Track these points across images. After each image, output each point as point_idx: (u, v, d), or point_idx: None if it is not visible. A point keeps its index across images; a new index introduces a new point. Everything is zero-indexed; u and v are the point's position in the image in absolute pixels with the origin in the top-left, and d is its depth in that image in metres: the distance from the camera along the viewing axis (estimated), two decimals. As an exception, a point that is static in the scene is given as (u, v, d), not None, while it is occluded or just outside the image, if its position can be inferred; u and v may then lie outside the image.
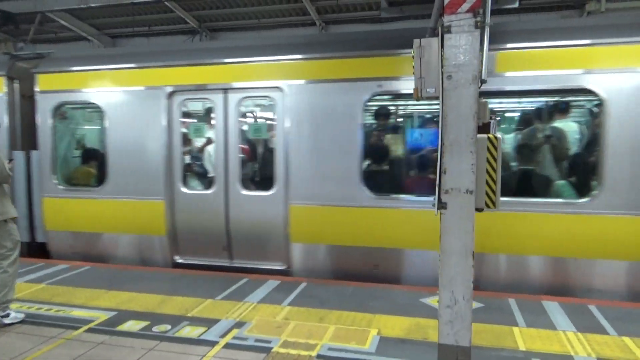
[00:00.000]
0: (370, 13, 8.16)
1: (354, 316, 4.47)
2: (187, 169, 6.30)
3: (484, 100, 3.04)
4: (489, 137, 3.04)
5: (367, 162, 5.64)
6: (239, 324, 4.30)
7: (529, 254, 5.10)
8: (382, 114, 5.90)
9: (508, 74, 5.03)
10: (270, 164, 5.85)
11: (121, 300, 4.92)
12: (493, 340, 3.94)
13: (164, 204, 6.11)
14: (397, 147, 5.83)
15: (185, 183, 6.18)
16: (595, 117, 5.02)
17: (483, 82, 3.04)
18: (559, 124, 5.35)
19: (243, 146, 6.09)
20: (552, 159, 5.33)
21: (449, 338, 3.11)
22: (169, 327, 4.25)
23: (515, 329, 4.15)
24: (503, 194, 3.49)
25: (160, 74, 6.08)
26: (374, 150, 5.73)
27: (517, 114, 5.91)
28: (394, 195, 5.47)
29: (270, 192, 5.82)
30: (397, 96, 5.63)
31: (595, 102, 4.99)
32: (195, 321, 4.38)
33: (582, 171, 5.22)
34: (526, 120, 5.62)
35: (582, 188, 5.09)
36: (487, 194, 3.05)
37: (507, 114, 6.14)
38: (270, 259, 5.92)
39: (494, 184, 3.04)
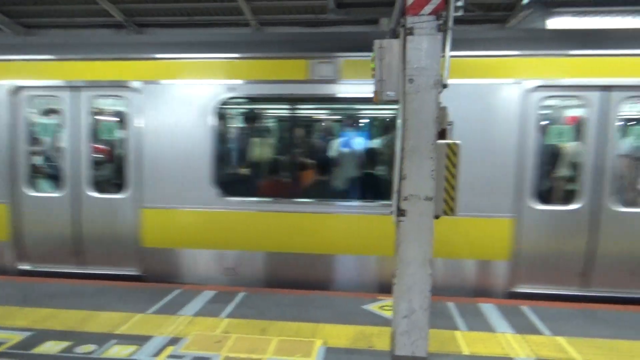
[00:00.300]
0: (307, 16, 8.00)
1: (297, 327, 4.27)
2: (35, 170, 5.82)
3: (443, 105, 2.98)
4: (448, 144, 2.99)
5: (219, 165, 5.47)
6: (174, 340, 3.94)
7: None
8: (236, 116, 5.75)
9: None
10: (122, 166, 5.58)
11: (38, 318, 4.33)
12: (438, 346, 3.93)
13: (5, 207, 5.65)
14: (251, 150, 5.73)
15: (32, 185, 5.70)
16: None
17: (444, 86, 2.99)
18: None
19: (99, 146, 5.75)
20: None
21: (406, 349, 3.03)
22: (94, 347, 3.79)
23: (458, 333, 4.18)
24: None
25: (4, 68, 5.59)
26: (227, 153, 5.65)
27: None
28: (246, 198, 5.37)
29: (122, 195, 5.55)
30: (253, 99, 5.50)
31: None
32: (125, 339, 3.94)
33: None
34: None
35: None
36: (445, 200, 3.00)
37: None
38: (123, 264, 5.63)
39: (452, 190, 2.99)
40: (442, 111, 2.97)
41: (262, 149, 5.65)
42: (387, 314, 4.55)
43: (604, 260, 5.11)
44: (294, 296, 5.01)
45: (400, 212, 2.93)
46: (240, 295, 5.01)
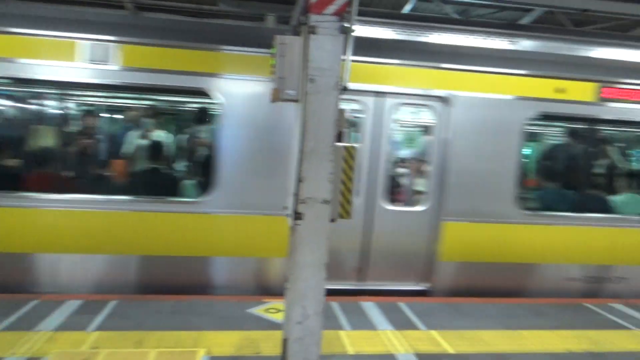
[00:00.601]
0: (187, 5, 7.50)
1: (178, 336, 3.96)
2: None
3: (342, 107, 2.96)
4: (346, 146, 2.98)
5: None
6: (30, 362, 3.39)
7: None
8: None
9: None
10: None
11: None
12: (324, 347, 3.91)
13: None
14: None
15: None
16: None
17: (344, 89, 2.96)
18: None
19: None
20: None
21: (298, 356, 2.95)
22: None
23: (342, 333, 4.24)
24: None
25: None
26: None
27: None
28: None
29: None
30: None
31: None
32: (-38, 365, 3.29)
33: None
34: None
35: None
36: (341, 204, 2.98)
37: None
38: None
39: (348, 193, 2.99)
40: (341, 113, 2.94)
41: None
42: (274, 317, 4.45)
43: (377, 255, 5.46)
44: (173, 302, 4.65)
45: (297, 216, 2.84)
46: (111, 304, 4.50)
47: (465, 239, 5.44)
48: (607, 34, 6.28)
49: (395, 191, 5.84)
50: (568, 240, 5.68)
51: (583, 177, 5.98)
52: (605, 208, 5.95)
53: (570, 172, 6.18)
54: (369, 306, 4.93)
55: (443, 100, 5.31)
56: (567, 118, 5.93)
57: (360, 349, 3.95)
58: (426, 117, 5.65)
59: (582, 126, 5.97)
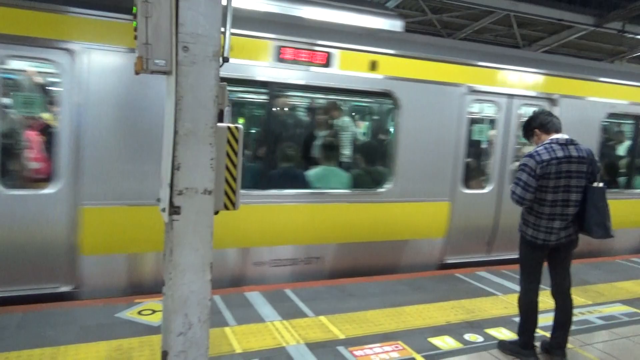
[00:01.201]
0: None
1: (29, 355, 3.28)
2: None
3: (223, 82, 2.55)
4: (229, 127, 2.59)
5: None
6: None
7: None
8: None
9: None
10: None
11: None
12: (210, 348, 3.56)
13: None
14: None
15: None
16: None
17: (225, 60, 2.55)
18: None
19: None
20: None
21: (180, 370, 2.55)
22: None
23: (228, 330, 3.90)
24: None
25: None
26: None
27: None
28: None
29: None
30: None
31: None
32: None
33: None
34: None
35: None
36: (226, 193, 2.60)
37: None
38: None
39: (233, 182, 2.62)
40: (222, 89, 2.54)
41: None
42: (149, 319, 3.94)
43: None
44: (21, 315, 3.87)
45: (174, 209, 2.41)
46: None
47: None
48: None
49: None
50: (255, 220, 5.04)
51: (270, 149, 5.30)
52: (297, 183, 5.37)
53: (257, 144, 5.58)
54: (254, 296, 4.64)
55: None
56: (244, 82, 5.10)
57: (249, 346, 3.65)
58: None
59: (263, 93, 5.31)
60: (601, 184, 3.43)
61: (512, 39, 13.06)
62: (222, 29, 2.49)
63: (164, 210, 2.47)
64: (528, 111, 6.11)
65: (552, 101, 6.45)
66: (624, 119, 7.63)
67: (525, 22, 12.13)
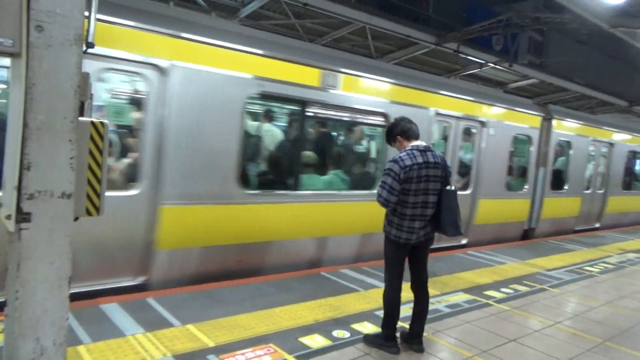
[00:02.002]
0: None
1: None
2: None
3: (87, 71, 2.25)
4: (93, 122, 2.29)
5: None
6: None
7: None
8: None
9: None
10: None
11: None
12: (58, 372, 3.13)
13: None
14: None
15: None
16: None
17: (90, 46, 2.25)
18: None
19: None
20: None
21: (29, 403, 2.18)
22: None
23: (82, 349, 3.48)
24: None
25: None
26: None
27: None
28: None
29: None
30: None
31: None
32: None
33: None
34: None
35: None
36: (89, 196, 2.30)
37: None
38: None
39: (97, 183, 2.32)
40: (85, 79, 2.23)
41: None
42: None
43: None
44: None
45: (22, 217, 2.04)
46: None
47: None
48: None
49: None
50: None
51: None
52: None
53: None
54: (111, 309, 4.21)
55: None
56: None
57: (107, 365, 3.30)
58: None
59: None
60: (453, 187, 3.83)
61: (367, 50, 13.96)
62: (87, 13, 2.20)
63: (8, 217, 2.09)
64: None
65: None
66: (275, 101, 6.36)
67: (379, 35, 13.06)
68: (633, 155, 13.71)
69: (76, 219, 2.25)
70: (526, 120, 9.55)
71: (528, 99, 11.30)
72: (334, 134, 7.49)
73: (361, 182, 6.99)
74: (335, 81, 6.29)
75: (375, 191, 5.55)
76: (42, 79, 2.06)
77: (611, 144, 12.30)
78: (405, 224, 3.74)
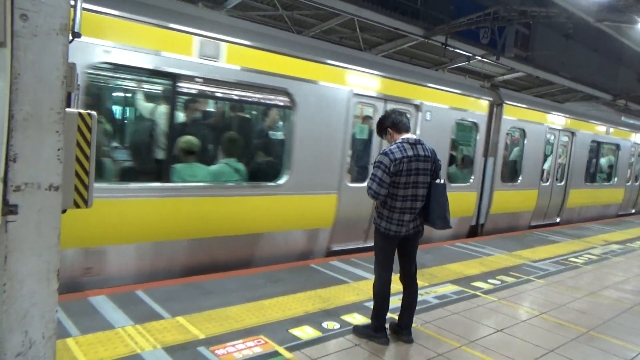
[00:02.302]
0: None
1: None
2: None
3: (73, 62, 2.22)
4: (81, 114, 2.26)
5: None
6: None
7: None
8: None
9: None
10: None
11: None
12: (46, 366, 3.11)
13: None
14: None
15: None
16: None
17: (77, 36, 2.22)
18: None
19: None
20: None
21: (17, 397, 2.17)
22: None
23: (71, 341, 3.46)
24: None
25: None
26: None
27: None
28: None
29: None
30: None
31: None
32: None
33: None
34: None
35: None
36: (76, 188, 2.27)
37: None
38: None
39: (85, 175, 2.30)
40: (71, 69, 2.20)
41: None
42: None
43: None
44: None
45: (9, 209, 2.01)
46: None
47: None
48: None
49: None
50: None
51: None
52: None
53: None
54: (100, 301, 4.19)
55: None
56: None
57: (97, 357, 3.28)
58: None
59: None
60: (442, 181, 3.85)
61: (355, 42, 13.93)
62: (73, 2, 2.17)
63: (-6, 210, 2.05)
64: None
65: None
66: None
67: (367, 27, 13.04)
68: (597, 145, 12.83)
69: (64, 211, 2.22)
70: (471, 105, 8.41)
71: (476, 82, 10.13)
72: (224, 115, 6.42)
73: (261, 172, 6.12)
74: (216, 51, 5.22)
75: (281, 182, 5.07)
76: (28, 69, 2.02)
77: (572, 133, 11.33)
78: (395, 216, 3.77)
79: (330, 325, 4.20)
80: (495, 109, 9.01)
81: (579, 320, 4.90)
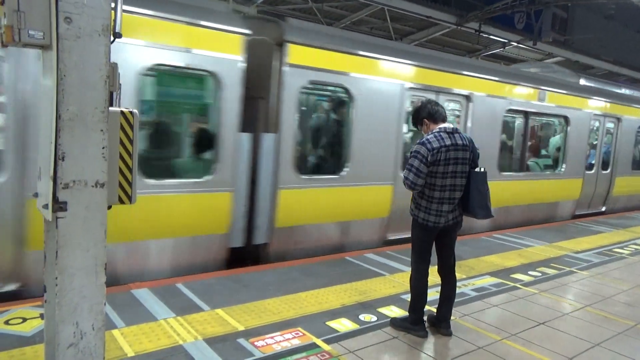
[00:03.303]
0: None
1: None
2: None
3: (114, 62, 2.27)
4: (123, 112, 2.32)
5: None
6: None
7: None
8: None
9: None
10: None
11: None
12: (95, 356, 3.23)
13: None
14: None
15: None
16: None
17: (117, 36, 2.27)
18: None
19: None
20: None
21: (70, 385, 2.26)
22: None
23: (116, 332, 3.58)
24: None
25: None
26: None
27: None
28: None
29: None
30: None
31: None
32: None
33: None
34: None
35: None
36: (121, 185, 2.34)
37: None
38: None
39: (129, 172, 2.36)
40: (112, 69, 2.26)
41: None
42: (20, 329, 3.45)
43: None
44: None
45: (59, 206, 2.09)
46: None
47: None
48: None
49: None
50: None
51: None
52: None
53: None
54: (143, 294, 4.32)
55: None
56: None
57: (141, 348, 3.39)
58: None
59: None
60: (483, 169, 3.77)
61: (386, 32, 13.77)
62: (113, 3, 2.22)
63: (45, 206, 2.14)
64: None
65: None
66: None
67: (397, 16, 12.86)
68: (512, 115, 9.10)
69: (109, 207, 2.30)
70: (200, 41, 4.84)
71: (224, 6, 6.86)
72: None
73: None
74: None
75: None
76: (72, 70, 2.09)
77: (467, 97, 7.55)
78: (434, 207, 3.71)
79: (367, 317, 4.19)
80: (267, 49, 5.53)
81: (626, 313, 4.72)
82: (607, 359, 3.76)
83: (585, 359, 3.72)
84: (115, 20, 2.27)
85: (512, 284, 5.34)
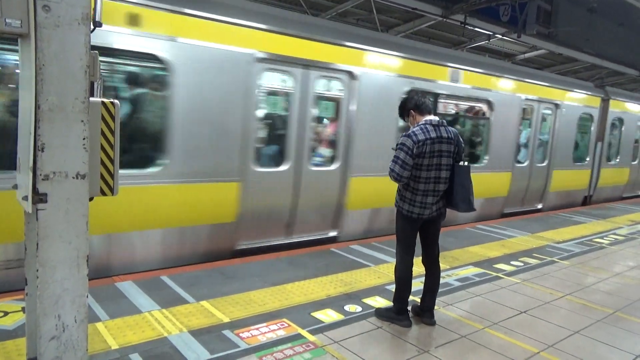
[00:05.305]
0: None
1: None
2: None
3: (95, 51, 2.24)
4: (104, 103, 2.29)
5: None
6: None
7: None
8: None
9: None
10: None
11: None
12: (78, 349, 3.21)
13: None
14: None
15: None
16: None
17: (98, 25, 2.24)
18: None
19: None
20: None
21: (53, 378, 2.25)
22: None
23: (100, 325, 3.55)
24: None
25: None
26: None
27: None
28: None
29: None
30: None
31: None
32: None
33: None
34: None
35: None
36: (102, 177, 2.32)
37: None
38: None
39: (110, 164, 2.33)
40: (93, 59, 2.22)
41: None
42: (3, 322, 3.40)
43: None
44: None
45: (39, 197, 2.07)
46: None
47: None
48: None
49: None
50: None
51: None
52: None
53: None
54: (127, 286, 4.29)
55: None
56: None
57: (126, 340, 3.37)
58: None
59: None
60: (466, 163, 3.81)
61: (372, 24, 13.73)
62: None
63: (25, 198, 2.11)
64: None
65: None
66: None
67: (383, 8, 12.82)
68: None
69: (91, 199, 2.27)
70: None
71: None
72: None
73: None
74: None
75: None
76: (52, 59, 2.05)
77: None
78: (418, 199, 3.74)
79: (352, 308, 4.22)
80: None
81: (605, 302, 4.83)
82: (586, 346, 3.85)
83: (565, 346, 3.80)
84: (95, 9, 2.23)
85: (495, 274, 5.42)
